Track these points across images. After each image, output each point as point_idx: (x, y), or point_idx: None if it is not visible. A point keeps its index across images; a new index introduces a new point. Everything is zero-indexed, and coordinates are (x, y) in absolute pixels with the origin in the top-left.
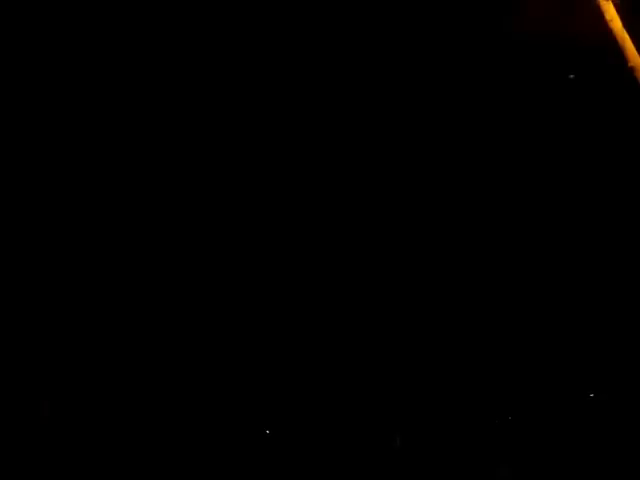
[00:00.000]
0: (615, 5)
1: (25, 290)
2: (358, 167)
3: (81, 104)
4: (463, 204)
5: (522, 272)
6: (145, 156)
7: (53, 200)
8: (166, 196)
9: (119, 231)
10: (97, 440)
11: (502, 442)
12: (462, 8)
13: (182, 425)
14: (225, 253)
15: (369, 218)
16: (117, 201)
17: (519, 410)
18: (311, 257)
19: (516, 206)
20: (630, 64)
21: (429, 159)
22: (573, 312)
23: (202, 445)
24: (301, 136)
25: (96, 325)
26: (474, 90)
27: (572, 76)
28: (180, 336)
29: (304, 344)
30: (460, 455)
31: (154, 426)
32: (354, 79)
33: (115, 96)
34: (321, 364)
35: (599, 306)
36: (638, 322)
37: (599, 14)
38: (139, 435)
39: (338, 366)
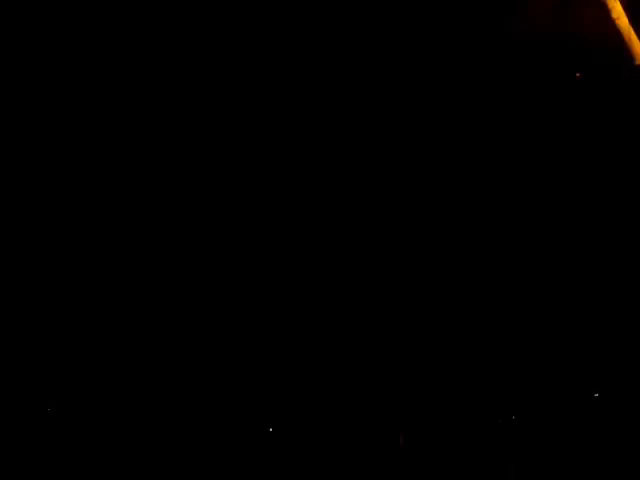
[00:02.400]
0: (622, 3)
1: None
2: (358, 169)
3: (81, 104)
4: (466, 206)
5: (526, 271)
6: (145, 156)
7: (53, 200)
8: (166, 197)
9: (119, 232)
10: (97, 440)
11: (507, 441)
12: (464, 6)
13: (183, 424)
14: (224, 254)
15: (368, 219)
16: (117, 202)
17: (523, 409)
18: (311, 258)
19: (522, 208)
20: (637, 63)
21: (430, 161)
22: (575, 312)
23: (203, 445)
24: (301, 137)
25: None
26: (476, 90)
27: (578, 74)
28: (180, 336)
29: (306, 344)
30: (464, 454)
31: (155, 426)
32: (353, 80)
33: (115, 96)
34: (324, 364)
35: (601, 305)
36: (638, 322)
37: (605, 12)
38: (140, 435)
39: (341, 366)
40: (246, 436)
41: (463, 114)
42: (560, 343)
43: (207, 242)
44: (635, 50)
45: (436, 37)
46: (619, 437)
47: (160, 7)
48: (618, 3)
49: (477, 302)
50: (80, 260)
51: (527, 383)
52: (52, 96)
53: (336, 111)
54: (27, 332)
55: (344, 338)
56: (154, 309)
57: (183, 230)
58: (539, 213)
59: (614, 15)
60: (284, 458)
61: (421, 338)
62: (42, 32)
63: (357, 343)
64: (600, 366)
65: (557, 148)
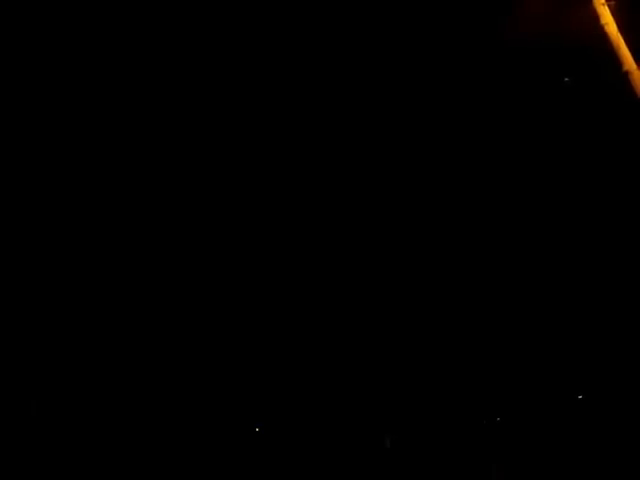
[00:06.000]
0: (610, 9)
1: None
2: (358, 168)
3: (81, 104)
4: (460, 205)
5: (515, 274)
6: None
7: (53, 200)
8: (166, 196)
9: (119, 231)
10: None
11: (492, 442)
12: (459, 9)
13: (179, 424)
14: (225, 253)
15: (369, 218)
16: (117, 201)
17: (509, 411)
18: (310, 258)
19: (509, 206)
20: (625, 68)
21: (424, 159)
22: (564, 314)
23: (198, 444)
24: (301, 136)
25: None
26: (469, 90)
27: (567, 79)
28: (179, 336)
29: (298, 344)
30: (450, 455)
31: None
32: (351, 79)
33: (115, 96)
34: (315, 364)
35: (588, 309)
36: (627, 325)
37: (595, 18)
38: (137, 434)
39: (331, 366)
40: (234, 436)
41: (456, 113)
42: (545, 346)
43: (207, 242)
44: (623, 56)
45: (429, 38)
46: (604, 438)
47: (160, 7)
48: (607, 9)
49: (462, 307)
50: (79, 260)
51: (511, 386)
52: (52, 96)
53: (336, 111)
54: (25, 332)
55: (332, 341)
56: (153, 309)
57: (183, 230)
58: (531, 213)
59: (603, 21)
60: (272, 458)
61: (407, 342)
62: (42, 32)
63: (345, 346)
64: (584, 369)
65: (547, 146)
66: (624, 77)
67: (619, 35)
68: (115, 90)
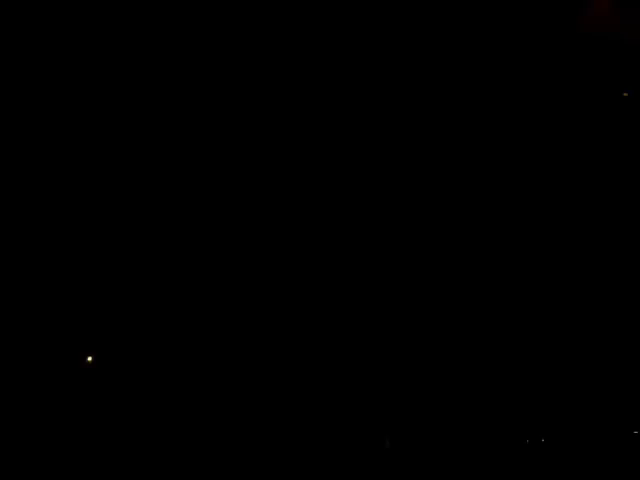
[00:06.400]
0: None
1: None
2: (358, 168)
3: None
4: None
5: (521, 275)
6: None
7: (53, 200)
8: (166, 196)
9: (118, 231)
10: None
11: (490, 442)
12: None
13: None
14: (224, 254)
15: (368, 219)
16: (117, 201)
17: (506, 412)
18: (309, 259)
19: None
20: None
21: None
22: (567, 317)
23: (200, 444)
24: (301, 136)
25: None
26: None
27: (626, 94)
28: (180, 336)
29: (296, 345)
30: (451, 455)
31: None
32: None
33: (115, 96)
34: (312, 366)
35: (595, 311)
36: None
37: None
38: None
39: (329, 368)
40: (233, 436)
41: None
42: (541, 346)
43: (207, 242)
44: None
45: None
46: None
47: (160, 7)
48: None
49: (459, 309)
50: (79, 260)
51: (509, 387)
52: (52, 96)
53: (338, 111)
54: (26, 332)
55: (333, 341)
56: (154, 310)
57: (183, 230)
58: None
59: None
60: (271, 458)
61: (406, 343)
62: (42, 32)
63: (346, 346)
64: (581, 369)
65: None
66: None
67: None
68: (115, 90)
